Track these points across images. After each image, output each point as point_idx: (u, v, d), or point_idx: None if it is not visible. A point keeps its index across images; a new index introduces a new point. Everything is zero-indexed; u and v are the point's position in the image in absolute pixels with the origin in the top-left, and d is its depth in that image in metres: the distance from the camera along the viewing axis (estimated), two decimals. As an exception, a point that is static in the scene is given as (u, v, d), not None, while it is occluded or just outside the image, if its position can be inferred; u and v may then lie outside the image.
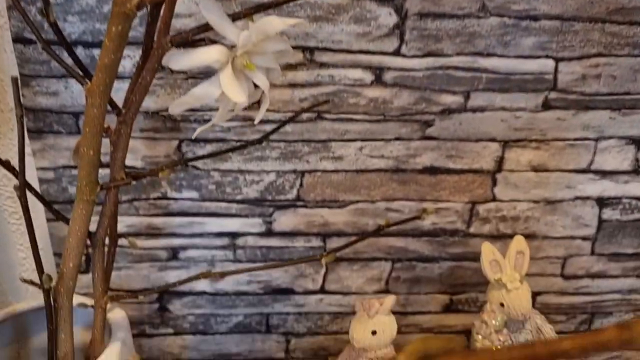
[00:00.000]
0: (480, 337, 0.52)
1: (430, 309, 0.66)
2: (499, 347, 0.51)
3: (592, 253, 0.64)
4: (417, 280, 0.64)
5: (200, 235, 0.60)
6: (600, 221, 0.62)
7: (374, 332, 0.50)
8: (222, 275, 0.47)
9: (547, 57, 0.54)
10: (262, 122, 0.55)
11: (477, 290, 0.65)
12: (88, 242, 0.46)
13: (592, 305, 0.67)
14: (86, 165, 0.38)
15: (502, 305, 0.51)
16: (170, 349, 0.66)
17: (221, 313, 0.64)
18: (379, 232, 0.49)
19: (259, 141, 0.47)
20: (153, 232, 0.60)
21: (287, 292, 0.64)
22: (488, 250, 0.51)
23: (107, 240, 0.47)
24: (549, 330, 0.54)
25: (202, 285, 0.63)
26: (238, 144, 0.56)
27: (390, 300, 0.50)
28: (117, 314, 0.53)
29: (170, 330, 0.65)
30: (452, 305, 0.66)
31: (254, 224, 0.60)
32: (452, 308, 0.66)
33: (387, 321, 0.50)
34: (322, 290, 0.64)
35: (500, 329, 0.51)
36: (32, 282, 0.43)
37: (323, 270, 0.63)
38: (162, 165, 0.43)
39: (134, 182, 0.42)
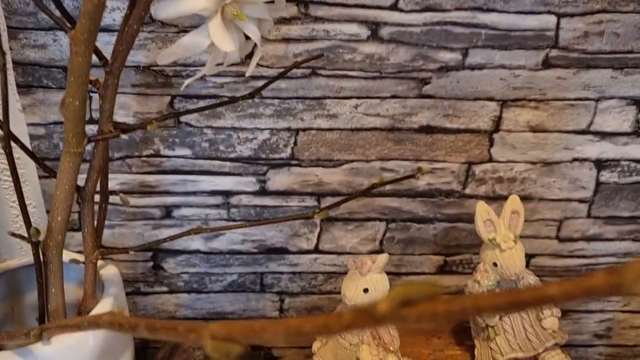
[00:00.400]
0: (472, 296, 0.52)
1: (424, 270, 0.66)
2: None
3: (589, 216, 0.63)
4: (411, 241, 0.64)
5: (194, 193, 0.60)
6: (598, 183, 0.62)
7: (365, 290, 0.50)
8: (213, 231, 0.46)
9: (548, 12, 0.53)
10: (256, 78, 0.54)
11: (472, 252, 0.65)
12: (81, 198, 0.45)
13: (586, 268, 0.67)
14: (72, 117, 0.37)
15: (495, 265, 0.51)
16: (164, 307, 0.66)
17: (215, 272, 0.64)
18: (372, 189, 0.48)
19: (251, 95, 0.46)
20: (146, 190, 0.59)
21: (281, 251, 0.64)
22: (483, 210, 0.51)
23: (98, 198, 0.47)
24: (541, 291, 0.54)
25: (196, 244, 0.63)
26: (231, 100, 0.55)
27: (383, 258, 0.50)
28: (110, 270, 0.53)
29: (165, 289, 0.65)
30: (446, 266, 0.66)
31: (248, 183, 0.59)
32: (446, 269, 0.66)
33: (380, 279, 0.50)
34: (317, 250, 0.64)
35: (493, 288, 0.51)
36: (20, 236, 0.43)
37: (317, 230, 0.63)
38: (151, 119, 0.42)
39: (123, 136, 0.42)
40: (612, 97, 0.57)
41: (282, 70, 0.54)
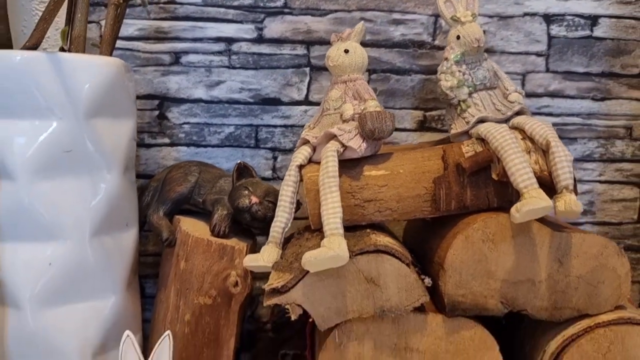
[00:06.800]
0: (443, 75, 0.58)
1: (406, 126, 0.72)
2: (460, 78, 0.57)
3: (547, 70, 0.71)
4: (392, 92, 0.71)
5: (201, 40, 0.69)
6: (550, 37, 0.71)
7: (346, 51, 0.57)
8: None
9: None
10: None
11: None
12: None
13: (557, 127, 0.72)
14: None
15: (458, 37, 0.58)
16: (165, 161, 0.71)
17: (214, 123, 0.71)
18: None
19: None
20: (160, 37, 0.69)
21: (275, 102, 0.71)
22: (441, -8, 0.60)
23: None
24: (504, 76, 0.60)
25: (199, 92, 0.70)
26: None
27: (360, 25, 0.58)
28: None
29: (167, 141, 0.71)
30: (425, 122, 0.72)
31: (247, 30, 0.69)
32: (426, 126, 0.72)
33: (358, 47, 0.58)
34: (307, 101, 0.71)
35: (459, 60, 0.58)
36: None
37: (307, 79, 0.71)
38: None
39: None
40: (545, -43, 0.70)
41: None
